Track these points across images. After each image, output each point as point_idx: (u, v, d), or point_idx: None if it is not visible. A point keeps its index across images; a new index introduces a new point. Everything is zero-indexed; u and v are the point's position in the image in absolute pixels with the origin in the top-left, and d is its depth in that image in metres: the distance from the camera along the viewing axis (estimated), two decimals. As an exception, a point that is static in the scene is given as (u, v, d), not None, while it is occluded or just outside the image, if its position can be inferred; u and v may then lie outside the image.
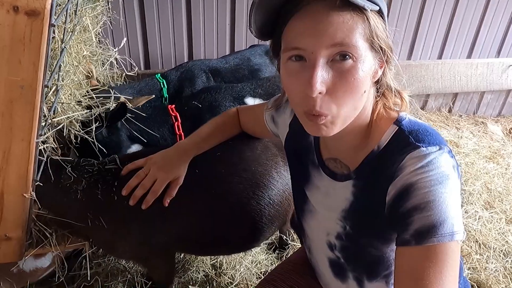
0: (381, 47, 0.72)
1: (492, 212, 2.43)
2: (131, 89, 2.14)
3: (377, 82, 0.80)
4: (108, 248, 1.43)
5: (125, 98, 1.83)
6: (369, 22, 0.69)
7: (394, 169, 0.74)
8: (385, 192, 0.76)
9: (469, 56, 3.59)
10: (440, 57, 3.53)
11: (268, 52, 2.52)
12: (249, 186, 1.28)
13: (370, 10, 0.69)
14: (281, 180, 1.33)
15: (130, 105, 1.78)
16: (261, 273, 1.89)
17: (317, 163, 0.94)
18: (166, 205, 1.19)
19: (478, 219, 2.36)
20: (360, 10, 0.68)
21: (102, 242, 1.35)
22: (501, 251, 2.12)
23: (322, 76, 0.69)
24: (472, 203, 2.49)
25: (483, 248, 2.14)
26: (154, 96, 2.07)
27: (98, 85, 1.81)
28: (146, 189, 1.18)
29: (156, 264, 1.46)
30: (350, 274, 0.95)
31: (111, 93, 1.69)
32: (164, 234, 1.28)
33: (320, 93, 0.69)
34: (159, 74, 2.26)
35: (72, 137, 1.37)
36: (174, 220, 1.26)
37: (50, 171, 1.19)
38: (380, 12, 0.72)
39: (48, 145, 1.23)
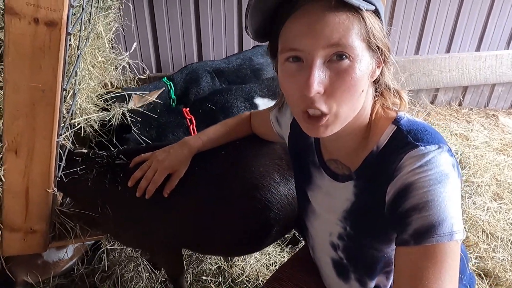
0: (378, 47, 0.73)
1: (501, 203, 2.44)
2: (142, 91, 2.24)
3: (375, 82, 0.80)
4: (114, 235, 1.49)
5: (138, 93, 1.94)
6: (365, 22, 0.70)
7: (393, 168, 0.74)
8: (384, 192, 0.76)
9: (477, 49, 3.57)
10: (448, 51, 3.53)
11: None
12: (246, 187, 1.26)
13: (366, 10, 0.69)
14: (283, 184, 1.29)
15: (136, 106, 1.88)
16: (271, 264, 1.96)
17: (318, 164, 0.95)
18: (166, 195, 1.22)
19: (487, 210, 2.37)
20: (355, 10, 0.68)
21: (109, 229, 1.42)
22: (509, 240, 2.13)
23: (319, 76, 0.69)
24: (480, 195, 2.50)
25: (490, 238, 2.15)
26: (164, 88, 2.18)
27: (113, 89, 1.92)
28: (149, 181, 1.22)
29: (161, 256, 1.50)
30: (352, 275, 0.96)
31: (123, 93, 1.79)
32: (163, 228, 1.32)
33: (318, 93, 0.70)
34: (165, 78, 2.36)
35: (91, 136, 1.47)
36: (172, 216, 1.30)
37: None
38: (376, 12, 0.72)
39: (68, 145, 1.34)
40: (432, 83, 3.52)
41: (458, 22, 3.38)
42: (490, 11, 3.39)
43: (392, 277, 0.92)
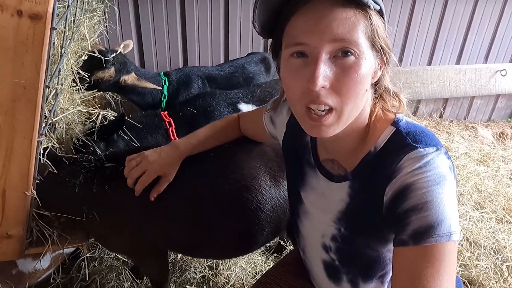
0: (381, 47, 0.73)
1: (482, 212, 2.48)
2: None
3: (375, 84, 0.81)
4: (102, 240, 1.45)
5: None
6: (371, 20, 0.70)
7: (391, 169, 0.74)
8: (382, 192, 0.76)
9: (457, 62, 3.68)
10: (429, 63, 3.62)
11: (263, 61, 2.59)
12: (237, 188, 1.26)
13: (373, 8, 0.70)
14: (274, 186, 1.30)
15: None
16: (256, 273, 1.92)
17: (313, 164, 0.95)
18: (152, 199, 1.20)
19: (469, 218, 2.40)
20: (362, 7, 0.69)
21: (97, 234, 1.37)
22: (492, 248, 2.16)
23: (324, 71, 0.69)
24: (463, 204, 2.54)
25: (474, 246, 2.18)
26: (161, 88, 2.24)
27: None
28: (133, 180, 1.19)
29: (148, 262, 1.47)
30: (345, 276, 0.95)
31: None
32: (153, 233, 1.29)
33: (323, 87, 0.69)
34: (162, 73, 2.34)
35: (74, 139, 1.42)
36: (163, 220, 1.27)
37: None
38: (380, 12, 0.73)
39: (50, 144, 1.28)
40: (414, 94, 3.60)
41: (439, 35, 3.48)
42: (469, 27, 3.51)
43: (387, 280, 0.92)
